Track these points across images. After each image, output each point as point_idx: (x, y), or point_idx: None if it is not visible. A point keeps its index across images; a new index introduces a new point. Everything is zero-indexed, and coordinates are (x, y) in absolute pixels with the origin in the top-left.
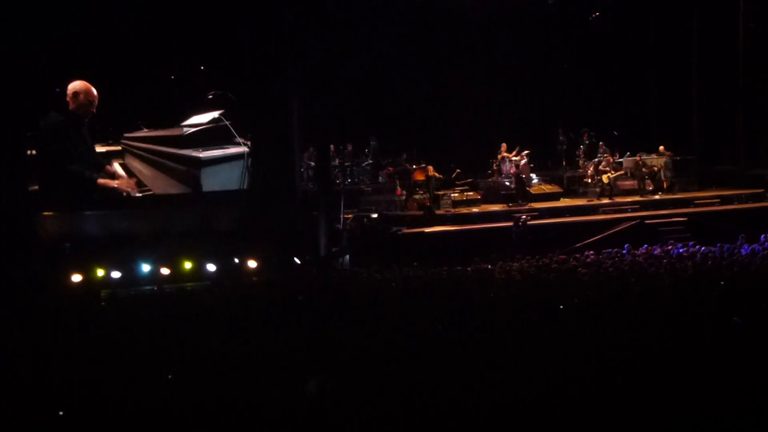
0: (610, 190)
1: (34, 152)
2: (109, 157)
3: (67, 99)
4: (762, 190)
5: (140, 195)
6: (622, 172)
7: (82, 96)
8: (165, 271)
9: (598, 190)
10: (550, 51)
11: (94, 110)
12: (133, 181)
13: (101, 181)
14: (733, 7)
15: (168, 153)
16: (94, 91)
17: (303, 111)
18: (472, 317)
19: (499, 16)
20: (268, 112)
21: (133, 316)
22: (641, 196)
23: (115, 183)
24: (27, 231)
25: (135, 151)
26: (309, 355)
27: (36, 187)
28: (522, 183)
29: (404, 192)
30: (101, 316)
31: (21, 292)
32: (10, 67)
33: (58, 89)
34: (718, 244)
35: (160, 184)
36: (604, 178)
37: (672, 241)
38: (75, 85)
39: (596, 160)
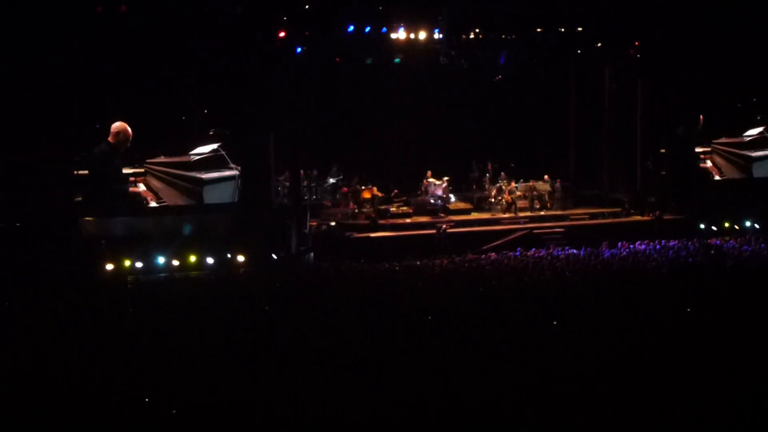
0: (514, 207)
1: (80, 172)
2: (136, 176)
3: (110, 135)
4: (619, 209)
5: (157, 205)
6: (520, 194)
7: (121, 134)
8: (175, 262)
9: (499, 207)
10: (466, 101)
11: (129, 144)
12: (150, 194)
13: (132, 189)
14: (601, 71)
15: (179, 174)
16: (130, 131)
17: (279, 144)
18: (402, 301)
19: (426, 75)
20: (252, 145)
21: (152, 295)
22: (531, 212)
23: (139, 190)
24: (72, 231)
25: (154, 172)
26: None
27: (80, 199)
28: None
29: (355, 206)
30: (127, 295)
31: (67, 278)
32: (62, 110)
33: (98, 125)
34: (587, 249)
35: (172, 198)
36: (507, 199)
37: (552, 246)
38: (116, 126)
39: (498, 184)
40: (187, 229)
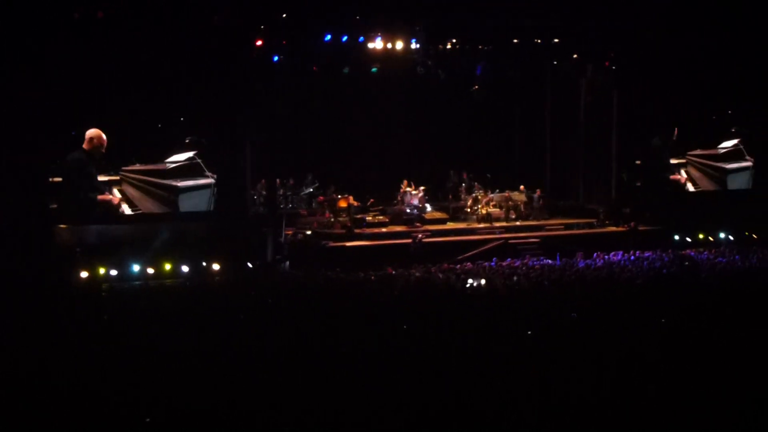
0: (490, 217)
1: (55, 179)
2: (110, 184)
3: (85, 142)
4: (594, 220)
5: (132, 213)
6: (494, 204)
7: (96, 140)
8: (150, 270)
9: (475, 217)
10: (443, 111)
11: (104, 151)
12: (121, 199)
13: (101, 197)
14: (577, 83)
15: (154, 182)
16: (105, 137)
17: (256, 153)
18: (378, 309)
19: (403, 85)
20: (228, 153)
21: (127, 303)
22: (506, 223)
23: (109, 197)
24: (46, 239)
25: (130, 180)
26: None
27: (54, 206)
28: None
29: (331, 215)
30: (102, 302)
31: (40, 286)
32: (38, 117)
33: (74, 132)
34: (564, 259)
35: (147, 206)
36: (483, 210)
37: (528, 256)
38: (91, 132)
39: (474, 194)
40: (160, 239)
